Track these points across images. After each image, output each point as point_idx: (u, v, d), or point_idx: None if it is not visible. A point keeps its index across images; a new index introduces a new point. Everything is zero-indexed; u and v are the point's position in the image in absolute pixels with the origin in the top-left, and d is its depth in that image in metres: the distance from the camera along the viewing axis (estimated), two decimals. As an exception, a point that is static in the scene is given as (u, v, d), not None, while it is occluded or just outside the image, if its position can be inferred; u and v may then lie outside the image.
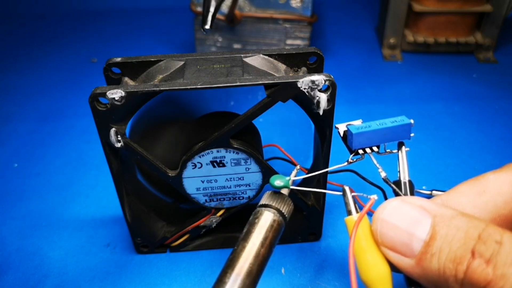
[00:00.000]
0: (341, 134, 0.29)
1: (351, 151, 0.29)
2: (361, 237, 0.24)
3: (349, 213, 0.26)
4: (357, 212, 0.26)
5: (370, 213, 0.24)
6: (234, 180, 0.35)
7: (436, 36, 0.72)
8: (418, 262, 0.22)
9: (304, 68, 0.35)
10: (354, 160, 0.29)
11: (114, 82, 0.34)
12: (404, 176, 0.28)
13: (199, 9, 0.66)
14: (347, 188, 0.26)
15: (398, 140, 0.28)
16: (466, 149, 0.53)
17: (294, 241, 0.41)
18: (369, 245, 0.24)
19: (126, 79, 0.34)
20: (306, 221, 0.40)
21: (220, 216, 0.38)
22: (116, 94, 0.29)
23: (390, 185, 0.27)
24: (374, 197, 0.25)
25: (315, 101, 0.31)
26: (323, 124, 0.33)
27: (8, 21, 0.92)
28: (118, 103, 0.30)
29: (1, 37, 0.86)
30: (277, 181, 0.28)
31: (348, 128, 0.28)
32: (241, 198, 0.37)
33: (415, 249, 0.22)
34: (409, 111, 0.60)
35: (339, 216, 0.44)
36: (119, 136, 0.32)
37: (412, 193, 0.27)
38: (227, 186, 0.36)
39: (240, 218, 0.41)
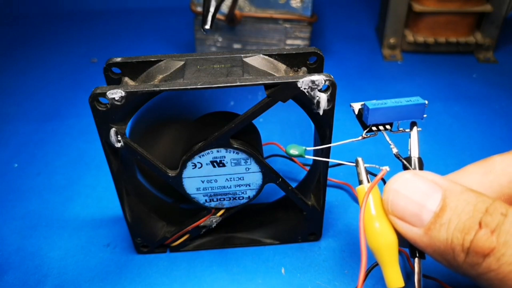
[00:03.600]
0: (356, 112, 0.29)
1: (365, 127, 0.29)
2: (371, 206, 0.25)
3: (360, 182, 0.27)
4: (368, 182, 0.26)
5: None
6: (234, 180, 0.35)
7: (436, 36, 0.72)
8: (426, 232, 0.23)
9: (304, 68, 0.35)
10: (368, 136, 0.29)
11: (114, 82, 0.34)
12: (415, 154, 0.28)
13: (199, 9, 0.66)
14: (360, 159, 0.27)
15: (411, 119, 0.28)
16: (466, 149, 0.53)
17: (294, 241, 0.41)
18: (378, 214, 0.25)
19: (126, 79, 0.34)
20: (306, 221, 0.40)
21: (220, 216, 0.38)
22: (116, 94, 0.29)
23: (401, 160, 0.28)
24: (386, 168, 0.26)
25: (315, 101, 0.31)
26: (323, 124, 0.33)
27: (8, 21, 0.92)
28: (118, 103, 0.30)
29: (1, 37, 0.86)
30: (292, 150, 0.29)
31: (364, 104, 0.28)
32: (241, 198, 0.37)
33: (424, 220, 0.23)
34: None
35: (339, 216, 0.44)
36: (119, 136, 0.32)
37: (421, 169, 0.28)
38: (227, 186, 0.36)
39: (240, 218, 0.41)
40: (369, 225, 0.25)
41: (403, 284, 0.25)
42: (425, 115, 0.28)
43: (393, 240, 0.25)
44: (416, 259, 0.26)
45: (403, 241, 0.25)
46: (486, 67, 0.71)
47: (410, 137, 0.28)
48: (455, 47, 0.73)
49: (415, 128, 0.28)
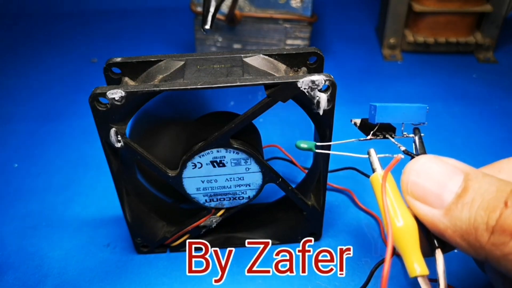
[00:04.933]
0: (358, 124, 0.30)
1: (371, 129, 0.29)
2: (388, 191, 0.25)
3: (374, 171, 0.27)
4: (382, 169, 0.27)
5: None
6: (234, 180, 0.35)
7: (436, 36, 0.72)
8: (447, 213, 0.22)
9: (304, 68, 0.35)
10: (374, 137, 0.29)
11: (114, 82, 0.34)
12: (422, 152, 0.28)
13: (199, 9, 0.66)
14: (372, 150, 0.27)
15: (414, 121, 0.29)
16: (466, 149, 0.53)
17: (294, 241, 0.41)
18: (395, 198, 0.25)
19: (126, 79, 0.34)
20: (306, 221, 0.40)
21: (220, 216, 0.38)
22: (116, 94, 0.29)
23: (410, 155, 0.27)
24: (399, 155, 0.26)
25: (315, 101, 0.31)
26: (323, 124, 0.33)
27: (8, 21, 0.92)
28: (118, 103, 0.30)
29: (1, 37, 0.86)
30: (303, 144, 0.30)
31: (371, 104, 0.29)
32: (241, 198, 0.37)
33: (445, 200, 0.23)
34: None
35: (339, 216, 0.44)
36: (119, 136, 0.32)
37: None
38: (227, 186, 0.36)
39: (240, 218, 0.41)
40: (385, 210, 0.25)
41: (427, 272, 0.23)
42: (426, 123, 0.29)
43: (413, 224, 0.24)
44: (439, 252, 0.24)
45: (425, 253, 0.24)
46: (486, 67, 0.71)
47: (414, 142, 0.28)
48: (455, 47, 0.73)
49: (418, 134, 0.29)
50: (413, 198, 0.24)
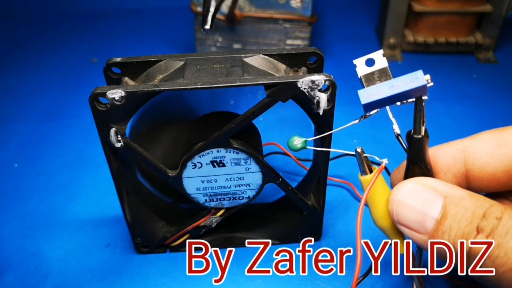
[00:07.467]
0: (359, 74, 0.27)
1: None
2: (377, 192, 0.27)
3: (362, 172, 0.28)
4: (369, 171, 0.28)
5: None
6: (234, 180, 0.35)
7: (436, 36, 0.72)
8: (430, 238, 0.25)
9: (304, 68, 0.35)
10: (369, 115, 0.28)
11: (114, 82, 0.34)
12: (418, 130, 0.27)
13: (199, 9, 0.66)
14: (359, 149, 0.28)
15: (413, 98, 0.26)
16: (466, 149, 0.53)
17: (294, 241, 0.41)
18: (384, 199, 0.27)
19: (126, 79, 0.34)
20: (306, 221, 0.40)
21: (220, 216, 0.38)
22: (116, 94, 0.29)
23: (401, 143, 0.27)
24: (384, 161, 0.28)
25: (315, 101, 0.31)
26: (323, 124, 0.33)
27: (7, 20, 0.92)
28: (118, 103, 0.30)
29: (1, 37, 0.86)
30: (295, 143, 0.31)
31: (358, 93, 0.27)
32: (241, 198, 0.37)
33: (427, 227, 0.25)
34: (408, 111, 0.60)
35: (339, 216, 0.44)
36: (119, 136, 0.32)
37: (423, 152, 0.27)
38: (227, 186, 0.36)
39: (240, 218, 0.41)
40: (376, 209, 0.28)
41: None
42: (426, 97, 0.26)
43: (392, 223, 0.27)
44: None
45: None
46: (486, 67, 0.71)
47: (414, 109, 0.26)
48: (455, 47, 0.73)
49: (420, 99, 0.26)
50: (400, 225, 0.26)
